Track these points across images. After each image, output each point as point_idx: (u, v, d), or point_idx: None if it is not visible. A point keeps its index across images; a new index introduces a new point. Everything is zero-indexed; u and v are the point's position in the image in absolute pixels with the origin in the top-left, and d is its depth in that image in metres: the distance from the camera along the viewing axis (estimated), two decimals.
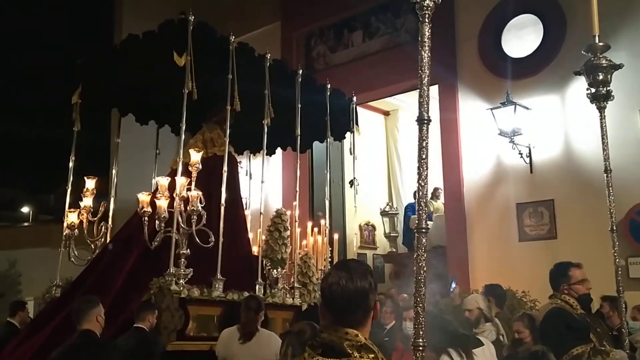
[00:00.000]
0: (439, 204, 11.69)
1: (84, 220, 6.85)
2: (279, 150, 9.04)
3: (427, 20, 2.31)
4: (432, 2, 2.29)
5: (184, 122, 5.98)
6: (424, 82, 2.26)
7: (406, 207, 11.81)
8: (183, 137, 6.13)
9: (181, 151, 6.14)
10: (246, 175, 8.25)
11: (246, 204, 8.13)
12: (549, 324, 3.98)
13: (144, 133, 8.21)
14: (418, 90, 2.27)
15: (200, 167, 6.12)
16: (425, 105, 2.25)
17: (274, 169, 10.29)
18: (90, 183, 6.99)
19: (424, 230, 2.21)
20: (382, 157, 13.13)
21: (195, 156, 6.11)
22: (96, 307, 4.49)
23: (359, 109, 11.37)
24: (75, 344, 4.35)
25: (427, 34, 2.30)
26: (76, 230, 6.79)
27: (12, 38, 14.74)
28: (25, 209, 19.90)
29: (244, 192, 7.92)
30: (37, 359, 5.45)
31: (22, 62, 15.02)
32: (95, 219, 6.94)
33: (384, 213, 12.48)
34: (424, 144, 2.23)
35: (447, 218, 9.47)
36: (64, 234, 6.79)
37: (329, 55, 11.09)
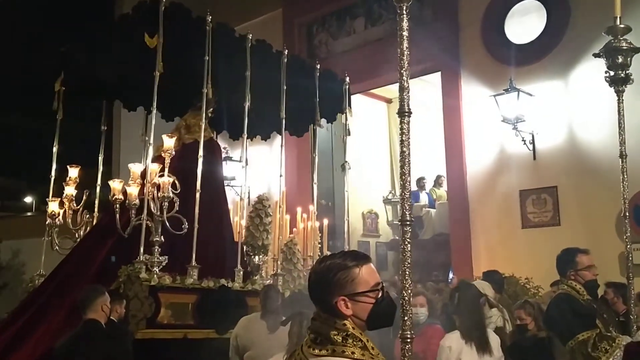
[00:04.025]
0: (442, 191, 11.69)
1: (67, 209, 6.81)
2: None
3: (405, 12, 2.28)
4: None
5: (154, 106, 5.91)
6: (403, 74, 2.24)
7: None
8: (154, 121, 6.02)
9: (152, 136, 6.02)
10: (242, 162, 8.16)
11: (247, 191, 8.08)
12: (556, 309, 3.97)
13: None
14: (398, 83, 2.24)
15: (180, 153, 6.09)
16: (406, 98, 2.24)
17: (276, 155, 10.22)
18: (73, 172, 6.95)
19: (408, 223, 2.18)
20: (385, 145, 13.11)
21: (168, 142, 6.03)
22: (101, 297, 4.48)
23: (361, 96, 11.38)
24: (80, 334, 4.35)
25: (405, 26, 2.27)
26: (59, 219, 6.74)
27: (10, 24, 14.70)
28: (28, 199, 19.95)
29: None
30: (12, 347, 5.49)
31: (20, 49, 14.98)
32: (79, 207, 6.91)
33: (386, 201, 12.47)
34: (406, 138, 2.22)
35: (450, 205, 9.46)
36: (46, 223, 6.76)
37: (331, 43, 11.03)
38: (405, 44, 2.24)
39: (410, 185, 2.22)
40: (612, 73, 3.77)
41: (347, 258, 2.02)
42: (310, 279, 2.06)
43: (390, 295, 2.04)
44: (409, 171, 2.19)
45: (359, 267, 1.99)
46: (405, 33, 2.25)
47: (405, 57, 2.23)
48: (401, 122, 2.22)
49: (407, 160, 2.19)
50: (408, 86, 2.25)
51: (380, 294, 2.00)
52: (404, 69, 2.23)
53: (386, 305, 2.01)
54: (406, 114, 2.22)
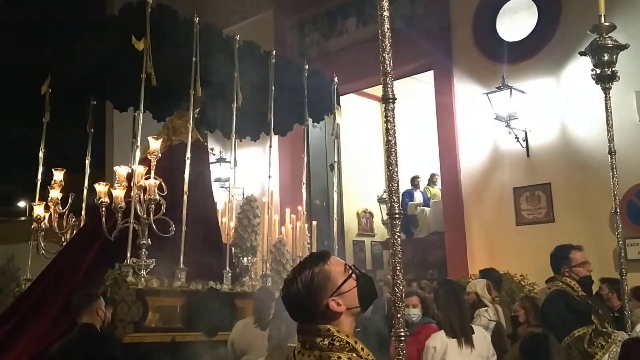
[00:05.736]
0: (436, 189, 11.70)
1: (53, 213, 6.76)
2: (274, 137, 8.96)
3: None
4: None
5: (142, 108, 5.88)
6: (386, 58, 2.10)
7: (403, 194, 11.80)
8: (141, 123, 5.97)
9: (139, 138, 6.00)
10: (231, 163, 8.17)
11: (242, 192, 8.03)
12: (551, 306, 3.98)
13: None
14: (381, 68, 2.09)
15: (167, 155, 6.06)
16: (390, 83, 2.10)
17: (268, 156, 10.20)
18: (57, 175, 6.88)
19: (397, 216, 2.08)
20: (379, 144, 13.10)
21: (155, 144, 5.98)
22: (96, 301, 4.45)
23: (355, 96, 11.37)
24: (75, 338, 4.32)
25: (385, 6, 2.14)
26: (45, 222, 6.69)
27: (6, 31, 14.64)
28: (21, 204, 19.84)
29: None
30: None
31: (13, 50, 14.91)
32: (64, 210, 6.86)
33: (381, 200, 12.46)
34: (391, 127, 2.09)
35: (445, 203, 9.46)
36: (32, 227, 6.69)
37: (323, 43, 11.01)
38: (387, 25, 2.11)
39: (397, 176, 2.09)
40: (598, 71, 3.78)
41: (312, 264, 1.95)
42: (286, 302, 1.96)
43: (359, 269, 1.97)
44: (396, 161, 2.07)
45: (326, 263, 1.93)
46: (386, 13, 2.13)
47: (387, 39, 2.11)
48: (385, 110, 2.10)
49: (393, 149, 2.07)
50: (391, 70, 2.11)
51: (354, 274, 1.94)
52: (386, 52, 2.10)
53: (365, 280, 1.96)
54: (390, 100, 2.11)
